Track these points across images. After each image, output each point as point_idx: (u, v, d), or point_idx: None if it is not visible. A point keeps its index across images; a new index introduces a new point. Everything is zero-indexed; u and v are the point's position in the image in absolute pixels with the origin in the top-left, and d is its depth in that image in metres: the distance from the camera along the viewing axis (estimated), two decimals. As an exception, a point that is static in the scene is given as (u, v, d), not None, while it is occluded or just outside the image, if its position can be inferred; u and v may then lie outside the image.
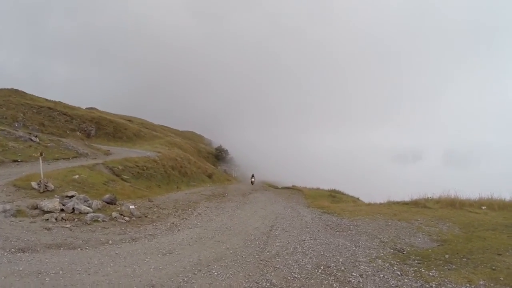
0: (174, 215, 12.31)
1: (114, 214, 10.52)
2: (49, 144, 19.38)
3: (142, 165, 19.92)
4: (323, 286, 6.47)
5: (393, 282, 6.65)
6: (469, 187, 15.35)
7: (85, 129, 31.57)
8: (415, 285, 6.54)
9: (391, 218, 12.17)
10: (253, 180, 33.94)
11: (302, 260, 7.83)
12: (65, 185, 12.97)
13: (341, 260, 7.87)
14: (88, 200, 10.97)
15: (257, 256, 7.94)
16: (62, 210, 10.09)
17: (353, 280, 6.71)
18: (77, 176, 13.78)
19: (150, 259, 7.21)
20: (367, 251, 8.59)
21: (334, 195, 23.48)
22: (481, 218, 11.34)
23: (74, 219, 9.66)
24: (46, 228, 8.64)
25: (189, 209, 13.66)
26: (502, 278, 6.56)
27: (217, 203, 16.10)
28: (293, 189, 28.12)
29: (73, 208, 10.14)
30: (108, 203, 11.68)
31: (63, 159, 18.31)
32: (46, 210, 9.83)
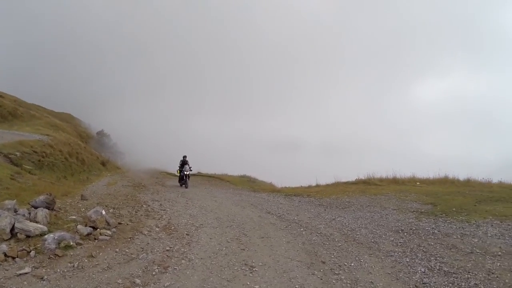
0: (146, 215, 9.80)
1: (80, 227, 7.25)
2: None
3: (41, 151, 15.97)
4: (423, 242, 7.48)
5: (454, 226, 8.22)
6: (347, 172, 18.35)
7: None
8: (465, 225, 8.24)
9: (366, 194, 13.36)
10: (187, 173, 19.44)
11: (380, 231, 8.57)
12: (-46, 186, 8.91)
13: (399, 224, 8.89)
14: (17, 209, 7.29)
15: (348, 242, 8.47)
16: (-9, 237, 6.18)
17: (436, 232, 7.93)
18: (-33, 171, 8.54)
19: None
20: (400, 216, 9.76)
21: (254, 181, 23.71)
22: (429, 189, 13.63)
23: (27, 250, 5.97)
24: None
25: (144, 206, 11.29)
26: (496, 213, 8.75)
27: (160, 195, 14.57)
28: (204, 176, 27.02)
29: (12, 229, 6.33)
30: (46, 208, 7.78)
31: None
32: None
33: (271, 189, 18.11)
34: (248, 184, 21.59)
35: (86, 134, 41.29)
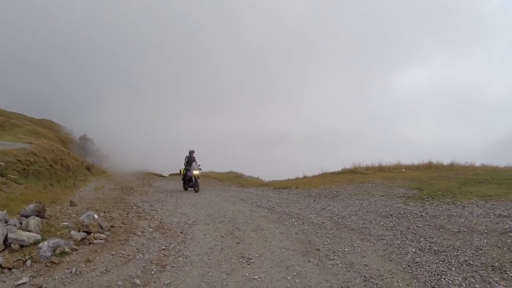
0: (137, 217, 9.73)
1: (74, 233, 7.03)
2: None
3: (25, 159, 15.59)
4: (412, 224, 7.83)
5: (441, 208, 8.56)
6: (333, 162, 17.85)
7: None
8: (451, 206, 8.60)
9: (353, 183, 13.63)
10: (197, 173, 15.99)
11: (370, 216, 8.96)
12: None
13: (388, 209, 9.20)
14: (8, 220, 7.03)
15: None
16: (-20, 247, 6.08)
17: (424, 214, 8.28)
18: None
19: None
20: (388, 201, 10.08)
21: (241, 176, 23.94)
22: (415, 175, 14.05)
23: (23, 260, 5.75)
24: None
25: (134, 207, 11.21)
26: (480, 194, 9.11)
27: (149, 196, 14.32)
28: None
29: (5, 240, 6.12)
30: (37, 216, 7.57)
31: None
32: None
33: (259, 184, 18.32)
34: (235, 179, 21.70)
35: (68, 139, 40.53)
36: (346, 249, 6.52)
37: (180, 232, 8.00)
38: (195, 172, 15.94)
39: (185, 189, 16.65)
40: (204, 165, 28.04)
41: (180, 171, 17.02)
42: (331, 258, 6.12)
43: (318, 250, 6.59)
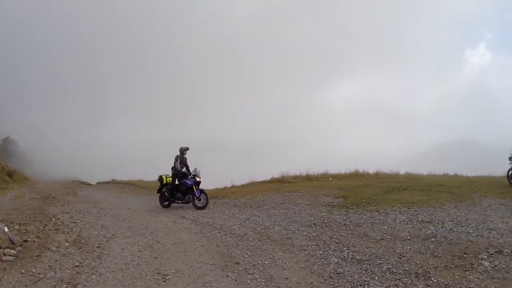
0: (55, 230, 8.89)
1: None
2: None
3: None
4: (335, 233, 7.63)
5: (364, 216, 8.63)
6: (263, 172, 18.68)
7: None
8: (375, 214, 8.70)
9: (280, 192, 13.49)
10: (199, 180, 11.58)
11: (293, 226, 8.69)
12: None
13: (312, 218, 9.05)
14: None
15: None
16: None
17: (348, 223, 8.27)
18: None
19: None
20: (313, 210, 9.95)
21: None
22: (341, 183, 14.28)
23: None
24: None
25: (53, 219, 10.11)
26: (403, 201, 9.51)
27: (71, 207, 12.99)
28: (118, 183, 24.66)
29: None
30: None
31: None
32: None
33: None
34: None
35: (-11, 142, 36.49)
36: (266, 262, 6.20)
37: (97, 247, 7.49)
38: (198, 179, 11.69)
39: (167, 206, 12.05)
40: (132, 174, 26.38)
41: (162, 178, 12.28)
42: (251, 272, 5.78)
43: (238, 263, 6.22)
